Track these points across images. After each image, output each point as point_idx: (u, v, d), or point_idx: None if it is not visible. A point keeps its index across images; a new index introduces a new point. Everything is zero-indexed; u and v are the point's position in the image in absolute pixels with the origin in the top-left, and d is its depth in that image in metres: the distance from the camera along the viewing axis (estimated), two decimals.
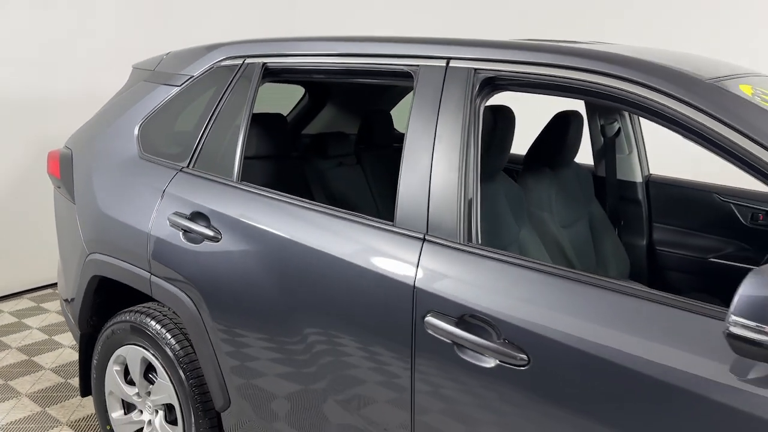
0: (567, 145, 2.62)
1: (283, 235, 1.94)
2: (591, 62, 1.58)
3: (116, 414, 2.59)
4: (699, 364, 1.26)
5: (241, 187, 2.14)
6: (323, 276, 1.84)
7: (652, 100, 1.48)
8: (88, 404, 3.12)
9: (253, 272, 2.00)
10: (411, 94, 1.86)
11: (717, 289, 2.68)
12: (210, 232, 2.11)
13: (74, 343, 3.60)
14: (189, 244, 2.16)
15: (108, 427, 2.62)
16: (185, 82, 2.45)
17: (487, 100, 1.77)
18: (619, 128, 2.87)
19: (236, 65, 2.31)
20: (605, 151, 2.94)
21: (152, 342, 2.34)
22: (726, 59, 1.99)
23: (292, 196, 2.02)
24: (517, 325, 1.49)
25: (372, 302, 1.74)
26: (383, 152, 3.41)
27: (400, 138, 3.43)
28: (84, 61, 4.50)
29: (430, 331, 1.62)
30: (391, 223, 1.78)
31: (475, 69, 1.75)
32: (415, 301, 1.65)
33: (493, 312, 1.53)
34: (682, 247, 2.83)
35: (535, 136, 2.64)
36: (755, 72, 1.85)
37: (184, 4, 5.03)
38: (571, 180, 2.73)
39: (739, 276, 1.31)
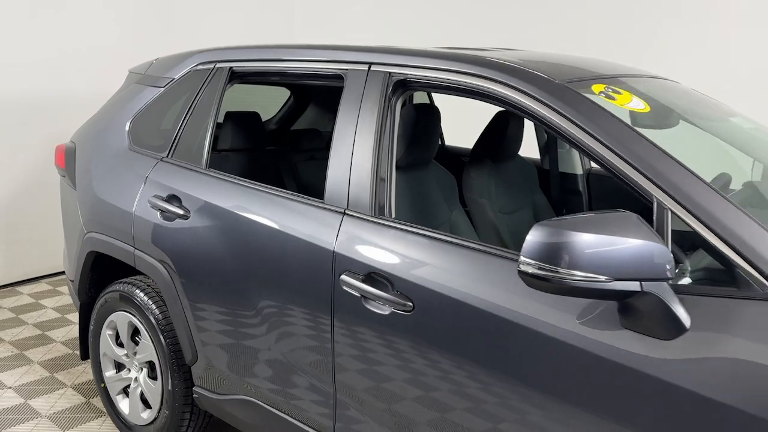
0: (507, 140, 2.94)
1: (237, 212, 2.31)
2: (471, 66, 1.91)
3: (109, 373, 2.97)
4: (514, 300, 1.62)
5: (208, 173, 2.51)
6: (267, 246, 2.20)
7: (514, 98, 1.81)
8: (90, 370, 3.52)
9: (213, 244, 2.37)
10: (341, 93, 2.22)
11: None
12: (181, 211, 2.48)
13: None
14: (164, 222, 2.54)
15: (102, 385, 3.01)
16: (167, 84, 2.84)
17: (401, 99, 2.11)
18: None
19: (208, 69, 2.69)
20: (548, 146, 3.26)
21: (138, 309, 2.72)
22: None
23: (249, 181, 2.38)
24: (407, 279, 1.84)
25: (303, 265, 2.09)
26: None
27: None
28: (93, 64, 4.93)
29: (344, 287, 1.97)
30: (321, 201, 2.13)
31: (390, 72, 2.09)
32: (334, 263, 2.00)
33: (390, 269, 1.88)
34: None
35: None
36: (644, 74, 2.17)
37: (186, 11, 5.45)
38: (513, 172, 3.05)
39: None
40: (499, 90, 1.84)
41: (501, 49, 2.40)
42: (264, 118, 4.00)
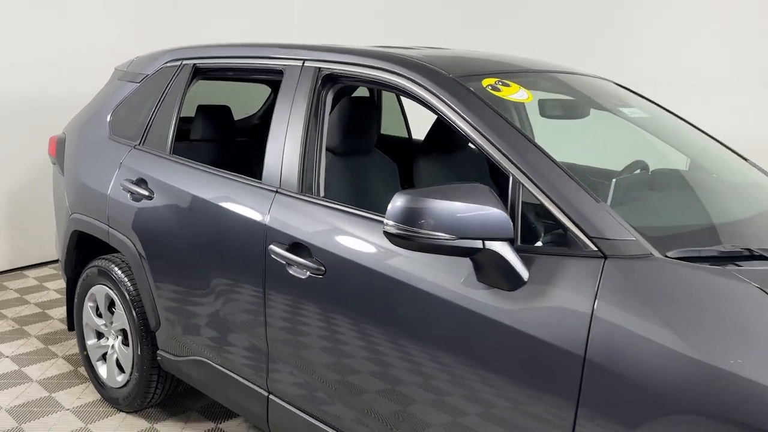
0: (454, 132, 3.19)
1: (191, 191, 2.60)
2: (381, 62, 2.17)
3: (91, 341, 3.29)
4: (402, 262, 1.89)
5: (171, 158, 2.80)
6: (213, 221, 2.49)
7: (413, 90, 2.06)
8: None
9: (172, 221, 2.66)
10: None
11: None
12: (146, 193, 2.78)
13: None
14: (133, 202, 2.84)
15: (84, 352, 3.33)
16: (142, 79, 3.15)
17: (331, 91, 2.38)
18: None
19: (176, 66, 2.99)
20: None
21: (113, 283, 3.03)
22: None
23: (203, 165, 2.67)
24: (321, 247, 2.11)
25: (241, 238, 2.38)
26: None
27: None
28: (91, 63, 5.25)
29: (273, 256, 2.25)
30: (260, 181, 2.41)
31: (320, 68, 2.37)
32: (265, 235, 2.28)
33: (308, 239, 2.15)
34: None
35: None
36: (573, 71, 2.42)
37: (186, 11, 5.78)
38: (462, 162, 3.30)
39: None
40: (402, 83, 2.11)
41: (433, 48, 2.66)
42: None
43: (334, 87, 2.39)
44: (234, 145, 3.61)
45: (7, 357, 3.71)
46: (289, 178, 2.31)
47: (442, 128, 3.18)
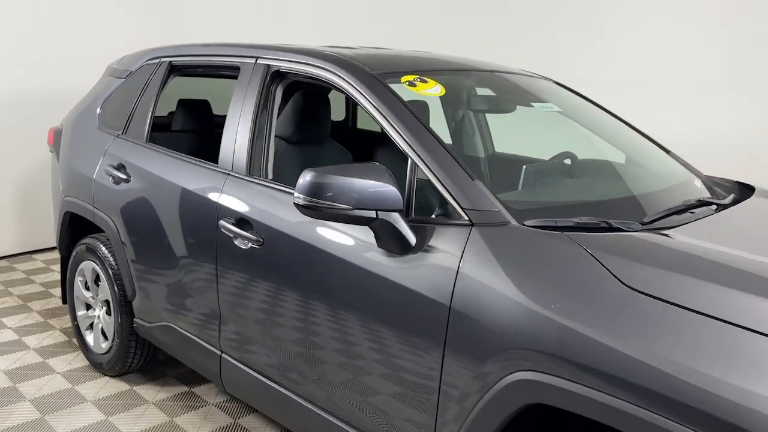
0: None
1: (159, 174, 2.93)
2: (316, 60, 2.46)
3: (81, 313, 3.64)
4: (323, 231, 2.18)
5: (146, 146, 3.13)
6: (176, 201, 2.81)
7: (340, 84, 2.35)
8: None
9: (144, 201, 2.99)
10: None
11: None
12: (124, 176, 3.12)
13: None
14: (114, 185, 3.18)
15: (75, 322, 3.67)
16: (128, 75, 3.49)
17: (280, 86, 2.68)
18: (463, 114, 3.71)
19: (155, 63, 3.32)
20: (455, 132, 3.79)
21: (99, 258, 3.37)
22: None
23: (171, 151, 3.00)
24: (260, 222, 2.42)
25: (198, 215, 2.69)
26: None
27: None
28: (91, 62, 5.63)
29: (222, 230, 2.56)
30: (216, 164, 2.73)
31: (269, 65, 2.68)
32: (217, 212, 2.60)
33: (251, 214, 2.46)
34: None
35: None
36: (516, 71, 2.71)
37: (190, 12, 6.13)
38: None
39: None
40: (332, 78, 2.40)
41: (374, 47, 2.95)
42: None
43: (282, 82, 2.70)
44: (212, 136, 3.94)
45: (9, 328, 4.08)
46: (240, 162, 2.62)
47: None
